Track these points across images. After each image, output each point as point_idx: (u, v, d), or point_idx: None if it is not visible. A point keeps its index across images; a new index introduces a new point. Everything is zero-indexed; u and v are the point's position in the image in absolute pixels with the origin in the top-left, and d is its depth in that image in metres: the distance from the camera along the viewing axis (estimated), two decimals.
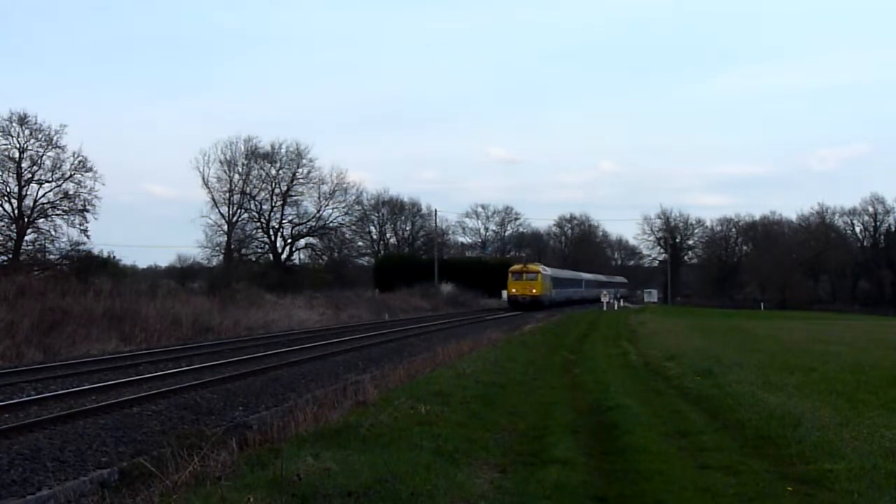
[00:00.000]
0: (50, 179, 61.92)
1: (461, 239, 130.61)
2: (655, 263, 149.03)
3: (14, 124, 60.98)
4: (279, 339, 36.97)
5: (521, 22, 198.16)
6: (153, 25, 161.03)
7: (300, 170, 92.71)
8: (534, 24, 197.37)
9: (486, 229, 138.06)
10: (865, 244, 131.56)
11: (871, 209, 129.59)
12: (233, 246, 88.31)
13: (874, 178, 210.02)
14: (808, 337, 40.42)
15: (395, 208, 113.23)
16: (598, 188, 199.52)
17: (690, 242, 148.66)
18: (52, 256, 61.90)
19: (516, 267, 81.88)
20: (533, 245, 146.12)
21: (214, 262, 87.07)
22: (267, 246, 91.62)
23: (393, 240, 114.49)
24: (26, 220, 60.94)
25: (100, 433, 13.77)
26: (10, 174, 61.18)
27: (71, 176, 62.19)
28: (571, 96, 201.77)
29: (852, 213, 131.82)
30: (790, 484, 10.13)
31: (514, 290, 78.19)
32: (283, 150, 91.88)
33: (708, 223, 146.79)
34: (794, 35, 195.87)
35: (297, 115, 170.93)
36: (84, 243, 62.28)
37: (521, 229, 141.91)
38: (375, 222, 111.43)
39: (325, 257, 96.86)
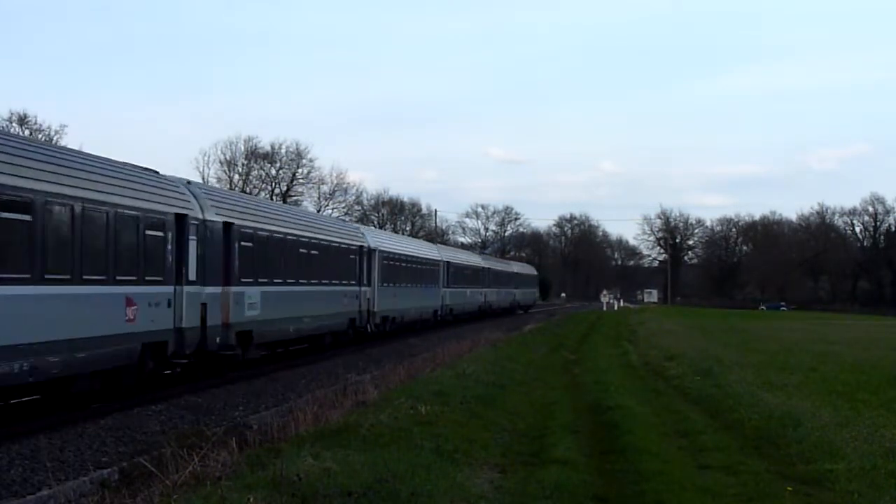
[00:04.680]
0: None
1: (461, 239, 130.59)
2: (655, 263, 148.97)
3: (14, 124, 61.02)
4: None
5: (520, 22, 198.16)
6: (153, 26, 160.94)
7: (300, 170, 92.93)
8: (534, 24, 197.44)
9: (486, 229, 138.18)
10: (865, 244, 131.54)
11: (871, 209, 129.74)
12: None
13: (874, 178, 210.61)
14: (807, 337, 40.42)
15: (395, 208, 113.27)
16: (598, 188, 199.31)
17: (690, 242, 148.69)
18: None
19: None
20: (533, 245, 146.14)
21: None
22: None
23: None
24: None
25: (100, 433, 13.76)
26: None
27: None
28: (571, 96, 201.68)
29: (852, 213, 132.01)
30: (790, 484, 10.13)
31: None
32: (283, 150, 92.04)
33: (708, 223, 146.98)
34: (794, 35, 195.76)
35: (297, 115, 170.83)
36: None
37: (521, 229, 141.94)
38: (375, 222, 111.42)
39: None
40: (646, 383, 21.55)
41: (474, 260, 62.87)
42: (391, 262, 36.42)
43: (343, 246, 29.98)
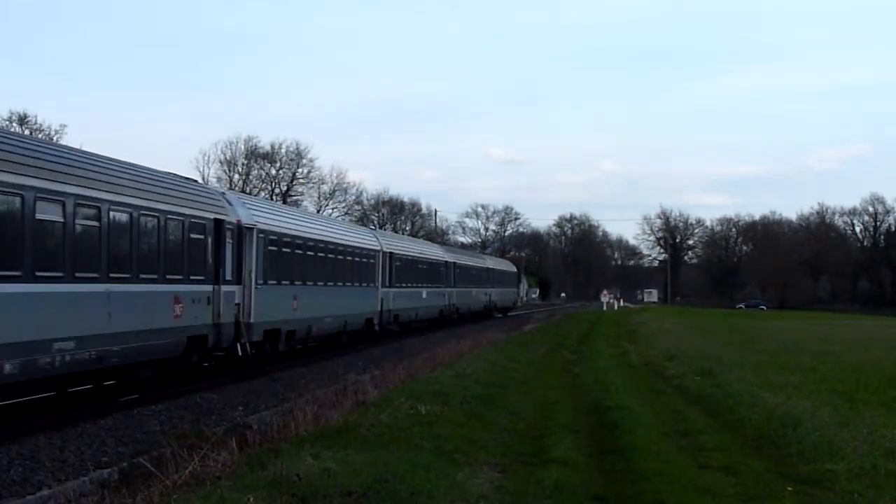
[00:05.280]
0: None
1: (461, 239, 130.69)
2: (655, 263, 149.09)
3: (14, 124, 61.01)
4: None
5: (520, 22, 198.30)
6: (153, 25, 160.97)
7: (300, 170, 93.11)
8: (533, 24, 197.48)
9: (486, 229, 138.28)
10: (865, 244, 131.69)
11: (871, 209, 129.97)
12: None
13: (874, 178, 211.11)
14: (807, 337, 40.42)
15: (395, 208, 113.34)
16: (598, 188, 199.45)
17: (690, 242, 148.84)
18: None
19: None
20: (533, 245, 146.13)
21: None
22: None
23: None
24: None
25: (100, 433, 13.77)
26: None
27: None
28: (571, 96, 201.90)
29: (852, 213, 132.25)
30: (790, 484, 10.14)
31: None
32: (283, 150, 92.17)
33: (708, 223, 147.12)
34: (794, 35, 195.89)
35: (297, 115, 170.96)
36: None
37: (521, 229, 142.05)
38: (375, 222, 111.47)
39: None
40: (646, 383, 21.56)
41: (433, 252, 49.60)
42: (284, 250, 24.71)
43: (173, 218, 18.31)
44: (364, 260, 33.35)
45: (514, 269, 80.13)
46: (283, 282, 24.43)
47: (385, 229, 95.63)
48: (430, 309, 45.10)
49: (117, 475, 10.87)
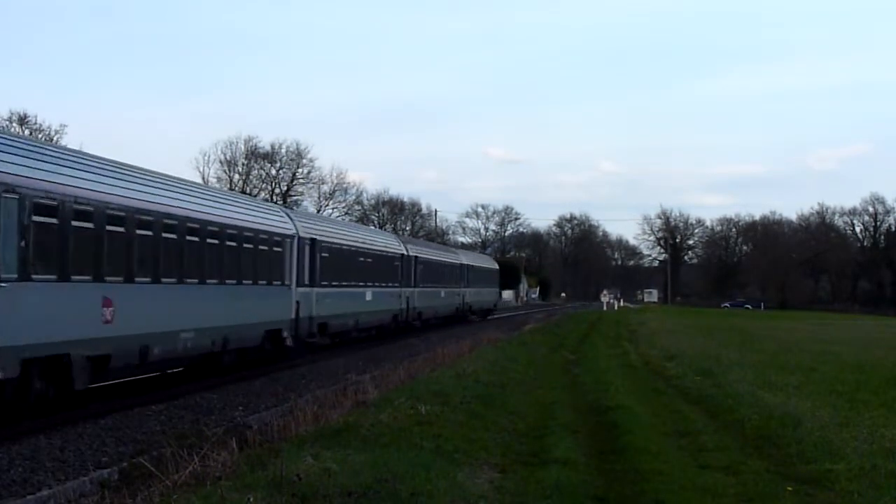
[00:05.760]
0: None
1: (461, 239, 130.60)
2: (655, 263, 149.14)
3: (14, 124, 61.00)
4: None
5: (521, 22, 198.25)
6: (153, 26, 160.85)
7: (300, 170, 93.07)
8: (534, 24, 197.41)
9: (486, 229, 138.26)
10: (865, 244, 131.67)
11: (871, 209, 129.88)
12: None
13: (874, 178, 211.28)
14: (807, 337, 40.43)
15: (395, 208, 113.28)
16: (598, 188, 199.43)
17: (690, 242, 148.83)
18: None
19: None
20: (533, 245, 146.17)
21: None
22: None
23: None
24: None
25: (100, 433, 13.77)
26: None
27: None
28: (571, 96, 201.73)
29: (852, 213, 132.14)
30: (790, 484, 10.14)
31: None
32: (283, 150, 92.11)
33: (708, 223, 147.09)
34: (794, 35, 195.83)
35: (297, 115, 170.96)
36: None
37: (521, 229, 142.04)
38: (375, 222, 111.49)
39: None
40: (646, 383, 21.56)
41: (385, 242, 39.48)
42: (80, 224, 14.87)
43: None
44: (265, 248, 23.35)
45: (496, 265, 69.86)
46: (79, 276, 14.90)
47: (385, 229, 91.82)
48: (379, 314, 35.38)
49: (117, 475, 10.87)
